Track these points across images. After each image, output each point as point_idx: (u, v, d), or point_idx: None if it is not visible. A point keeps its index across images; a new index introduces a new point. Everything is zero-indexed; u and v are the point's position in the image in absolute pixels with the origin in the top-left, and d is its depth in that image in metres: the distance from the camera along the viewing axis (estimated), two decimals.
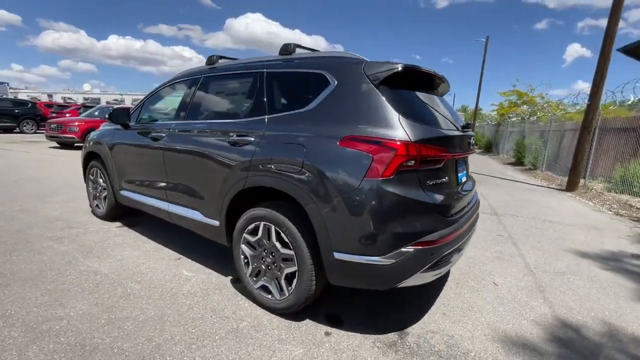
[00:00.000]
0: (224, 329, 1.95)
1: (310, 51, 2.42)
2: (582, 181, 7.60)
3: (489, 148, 19.73)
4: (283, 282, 2.05)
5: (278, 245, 2.02)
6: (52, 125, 10.66)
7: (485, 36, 24.44)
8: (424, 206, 1.77)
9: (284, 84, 2.21)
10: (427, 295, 2.46)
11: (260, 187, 2.07)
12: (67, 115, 14.95)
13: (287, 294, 2.03)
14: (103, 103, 31.18)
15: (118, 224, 3.68)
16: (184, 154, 2.58)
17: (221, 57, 2.84)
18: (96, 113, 11.91)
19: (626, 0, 6.89)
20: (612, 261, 3.36)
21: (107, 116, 3.38)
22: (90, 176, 3.84)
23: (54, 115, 15.68)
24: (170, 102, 3.11)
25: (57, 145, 11.09)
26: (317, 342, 1.87)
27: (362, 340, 1.91)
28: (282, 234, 1.98)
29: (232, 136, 2.24)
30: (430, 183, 1.85)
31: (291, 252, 1.96)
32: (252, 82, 2.37)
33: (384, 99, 1.80)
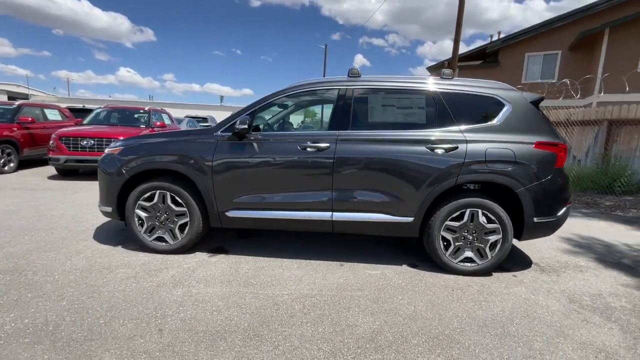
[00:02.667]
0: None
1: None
2: None
3: None
4: (487, 249, 2.79)
5: (487, 225, 2.75)
6: (69, 142, 6.16)
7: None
8: (568, 181, 2.95)
9: (463, 103, 2.87)
10: None
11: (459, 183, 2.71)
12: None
13: (489, 258, 2.79)
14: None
15: (203, 253, 3.06)
16: (369, 162, 2.76)
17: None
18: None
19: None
20: None
21: (186, 125, 2.77)
22: (144, 203, 2.94)
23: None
24: (308, 111, 2.98)
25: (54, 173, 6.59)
26: None
27: None
28: (490, 215, 2.72)
29: (434, 144, 2.72)
30: None
31: (497, 226, 2.74)
32: (428, 98, 2.87)
33: (542, 116, 2.86)
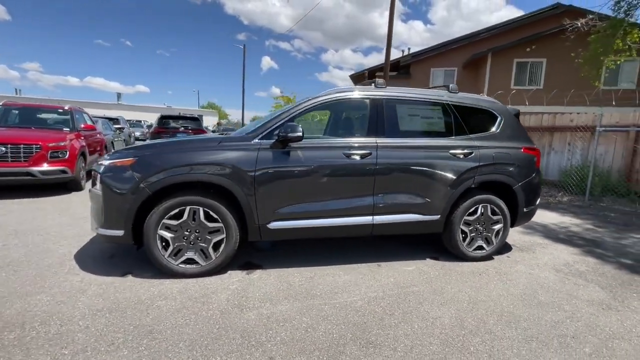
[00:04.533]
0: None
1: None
2: None
3: None
4: (493, 237, 3.33)
5: (493, 217, 3.28)
6: None
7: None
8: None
9: (470, 114, 3.34)
10: None
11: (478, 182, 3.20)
12: None
13: (494, 244, 3.35)
14: None
15: (236, 272, 2.81)
16: (403, 167, 2.98)
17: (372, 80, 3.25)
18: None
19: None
20: None
21: (224, 133, 2.55)
22: (170, 221, 2.55)
23: None
24: (342, 120, 3.00)
25: None
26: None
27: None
28: (495, 208, 3.27)
29: (455, 150, 3.12)
30: None
31: (500, 217, 3.31)
32: (444, 109, 3.26)
33: (521, 126, 3.56)
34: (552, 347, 2.00)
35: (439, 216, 3.14)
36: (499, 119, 3.43)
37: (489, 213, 3.28)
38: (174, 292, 2.43)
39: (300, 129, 2.64)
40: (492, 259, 3.40)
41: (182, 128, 10.64)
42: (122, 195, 2.50)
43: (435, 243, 3.65)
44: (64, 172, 5.27)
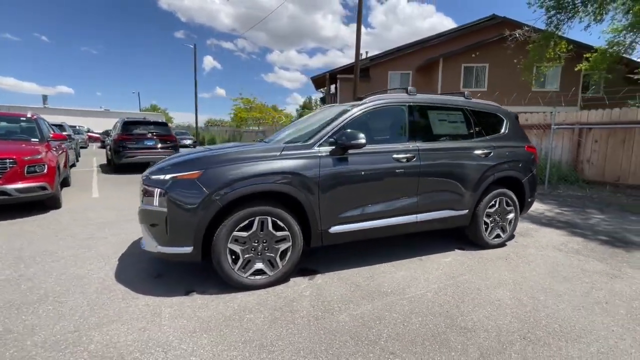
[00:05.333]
0: None
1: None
2: None
3: None
4: (507, 225, 3.80)
5: (507, 208, 3.74)
6: None
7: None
8: None
9: (483, 118, 3.75)
10: None
11: (499, 177, 3.63)
12: None
13: (508, 232, 3.82)
14: None
15: (297, 278, 2.85)
16: (440, 168, 3.28)
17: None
18: None
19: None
20: None
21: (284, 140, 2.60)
22: (239, 233, 2.51)
23: None
24: (380, 124, 3.19)
25: None
26: None
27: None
28: (508, 200, 3.74)
29: (477, 150, 3.50)
30: None
31: (512, 207, 3.79)
32: (465, 114, 3.63)
33: (521, 127, 4.09)
34: (596, 312, 2.41)
35: (467, 210, 3.49)
36: (505, 121, 3.91)
37: (504, 205, 3.73)
38: (254, 304, 2.41)
39: (362, 136, 2.77)
40: (506, 245, 3.87)
41: (150, 134, 9.92)
42: (191, 209, 2.40)
43: (452, 236, 4.01)
44: (43, 188, 4.67)
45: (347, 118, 3.00)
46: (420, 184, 3.19)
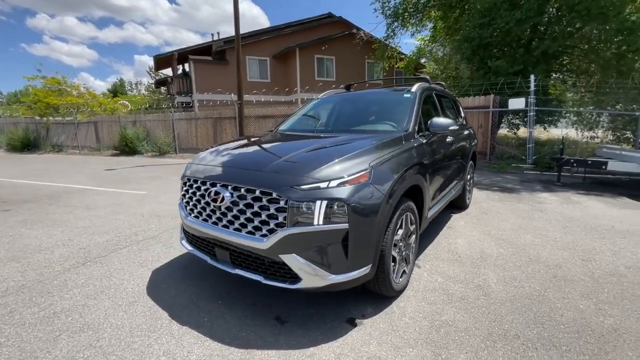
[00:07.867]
0: None
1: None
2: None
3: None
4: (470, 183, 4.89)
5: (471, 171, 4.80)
6: None
7: None
8: None
9: (450, 102, 4.54)
10: None
11: None
12: None
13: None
14: None
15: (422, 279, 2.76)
16: (456, 144, 3.80)
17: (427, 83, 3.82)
18: None
19: None
20: None
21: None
22: (397, 236, 2.21)
23: None
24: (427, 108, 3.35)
25: None
26: None
27: None
28: (473, 165, 4.81)
29: (463, 130, 4.29)
30: None
31: (473, 171, 4.90)
32: (450, 100, 4.32)
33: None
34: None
35: (463, 182, 4.27)
36: (459, 105, 4.89)
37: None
38: (412, 312, 2.21)
39: (451, 122, 2.87)
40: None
41: None
42: (372, 220, 1.90)
43: None
44: None
45: (419, 104, 3.03)
46: (452, 160, 3.64)
